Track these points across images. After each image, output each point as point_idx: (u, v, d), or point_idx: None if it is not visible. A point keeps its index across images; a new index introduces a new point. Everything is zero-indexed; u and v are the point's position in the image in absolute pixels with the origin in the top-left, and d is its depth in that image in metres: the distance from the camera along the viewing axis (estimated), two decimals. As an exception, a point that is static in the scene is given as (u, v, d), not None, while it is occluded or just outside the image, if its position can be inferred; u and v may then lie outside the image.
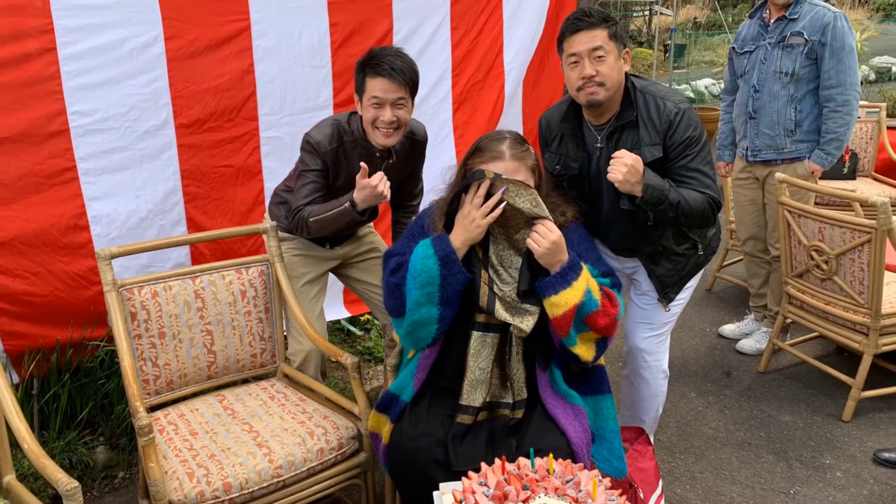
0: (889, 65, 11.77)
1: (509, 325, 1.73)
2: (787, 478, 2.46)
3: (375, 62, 2.06)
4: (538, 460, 1.45)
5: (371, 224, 2.48)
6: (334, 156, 2.16)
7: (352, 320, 3.45)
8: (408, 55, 2.12)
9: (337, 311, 3.16)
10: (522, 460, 1.45)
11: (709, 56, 13.80)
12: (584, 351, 1.76)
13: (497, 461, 1.45)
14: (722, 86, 3.62)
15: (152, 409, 2.08)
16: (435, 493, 1.50)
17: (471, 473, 1.43)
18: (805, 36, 2.87)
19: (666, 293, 2.16)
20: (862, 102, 4.16)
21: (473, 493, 1.36)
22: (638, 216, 2.00)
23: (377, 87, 2.06)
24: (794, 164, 3.03)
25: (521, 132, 2.92)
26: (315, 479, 1.92)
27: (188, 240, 2.42)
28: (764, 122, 3.02)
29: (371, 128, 2.11)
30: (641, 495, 1.94)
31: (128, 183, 2.51)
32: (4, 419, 1.71)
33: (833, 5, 2.98)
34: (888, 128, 4.53)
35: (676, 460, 2.57)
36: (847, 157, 4.32)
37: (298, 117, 2.80)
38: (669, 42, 10.46)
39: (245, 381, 2.30)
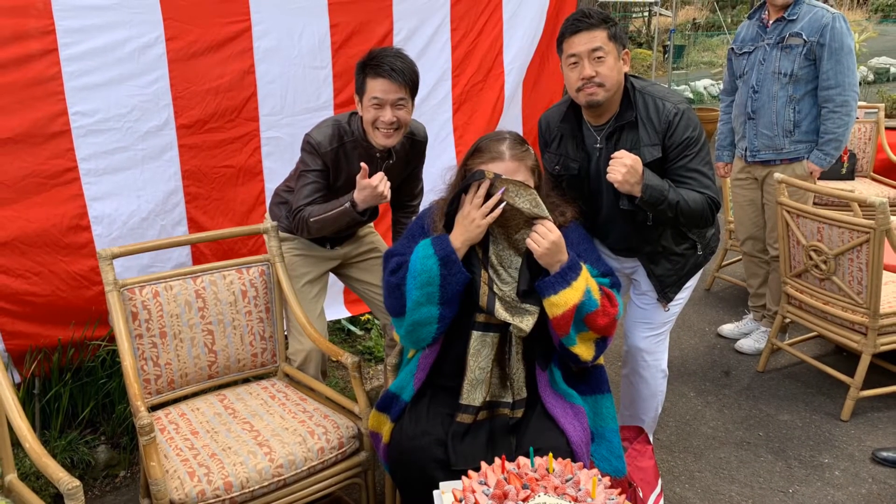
0: (887, 65, 11.79)
1: (509, 324, 1.74)
2: (785, 477, 2.47)
3: (376, 63, 2.07)
4: (538, 459, 1.45)
5: (371, 224, 2.49)
6: (335, 156, 2.17)
7: (352, 320, 3.46)
8: (408, 56, 2.12)
9: (337, 310, 3.16)
10: (522, 459, 1.46)
11: (708, 57, 13.82)
12: (583, 350, 1.77)
13: (497, 460, 1.45)
14: (721, 86, 3.63)
15: (153, 408, 2.09)
16: (435, 492, 1.50)
17: (471, 472, 1.44)
18: (804, 37, 2.88)
19: (665, 293, 2.17)
20: (860, 103, 4.18)
21: (473, 491, 1.37)
22: (637, 216, 2.01)
23: (377, 87, 2.07)
24: (792, 164, 3.04)
25: (520, 132, 2.93)
26: (315, 478, 1.92)
27: (189, 240, 2.42)
28: (763, 122, 3.03)
29: (371, 128, 2.12)
30: (641, 494, 1.95)
31: (129, 183, 2.51)
32: (6, 418, 1.71)
33: (832, 6, 3.00)
34: (886, 128, 4.54)
35: (675, 459, 2.58)
36: (845, 158, 4.33)
37: (299, 118, 2.81)
38: (668, 43, 10.47)
39: (246, 381, 2.30)
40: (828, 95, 2.89)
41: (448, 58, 3.18)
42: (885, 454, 2.53)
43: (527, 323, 1.73)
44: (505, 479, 1.39)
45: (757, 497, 2.37)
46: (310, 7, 2.75)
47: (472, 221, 1.73)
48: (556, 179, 2.09)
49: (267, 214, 2.46)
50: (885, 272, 2.69)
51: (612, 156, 1.87)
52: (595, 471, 1.45)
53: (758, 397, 2.98)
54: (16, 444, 1.75)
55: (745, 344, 3.39)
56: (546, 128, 2.14)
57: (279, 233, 2.30)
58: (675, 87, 9.92)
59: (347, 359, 2.05)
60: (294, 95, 2.79)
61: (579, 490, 1.37)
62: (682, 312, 2.75)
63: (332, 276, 2.52)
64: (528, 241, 1.72)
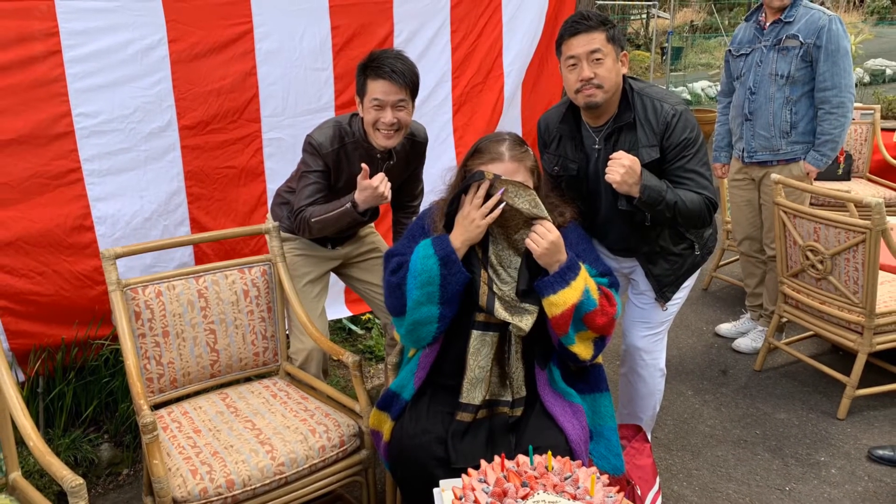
0: (883, 67, 11.83)
1: (508, 324, 1.76)
2: (782, 475, 2.49)
3: (376, 65, 2.09)
4: (537, 457, 1.46)
5: (372, 224, 2.51)
6: (336, 157, 2.19)
7: (353, 319, 3.47)
8: (408, 58, 2.14)
9: (338, 310, 3.18)
10: (521, 457, 1.47)
11: (705, 58, 13.85)
12: (582, 349, 1.78)
13: (496, 458, 1.46)
14: (718, 88, 3.65)
15: (156, 406, 2.10)
16: (435, 490, 1.51)
17: (470, 470, 1.45)
18: (800, 39, 2.90)
19: (663, 293, 2.18)
20: (856, 104, 4.20)
21: (473, 489, 1.38)
22: (635, 217, 2.03)
23: (378, 89, 2.08)
24: (789, 165, 3.06)
25: (520, 133, 2.95)
26: (317, 476, 1.94)
27: (192, 240, 2.44)
28: (760, 123, 3.06)
29: (372, 129, 2.14)
30: (639, 492, 1.97)
31: (132, 184, 2.53)
32: (10, 417, 1.73)
33: (828, 9, 3.02)
34: (882, 129, 4.57)
35: (673, 457, 2.60)
36: (842, 159, 4.35)
37: (300, 119, 2.83)
38: (666, 45, 10.50)
39: (248, 380, 2.32)
40: (824, 97, 2.91)
41: (448, 59, 3.20)
42: (880, 452, 2.55)
43: (526, 322, 1.74)
44: (504, 477, 1.40)
45: (754, 495, 2.39)
46: (311, 9, 2.77)
47: (471, 222, 1.74)
48: (555, 180, 2.11)
49: (269, 215, 2.48)
50: (880, 272, 2.71)
51: (610, 157, 1.88)
52: (594, 469, 1.47)
53: (755, 396, 3.00)
54: (20, 442, 1.76)
55: (743, 343, 3.41)
56: (545, 129, 2.16)
57: (281, 233, 2.31)
58: (673, 89, 9.94)
59: (348, 358, 2.07)
60: (295, 97, 2.81)
61: (578, 488, 1.38)
62: (679, 312, 2.77)
63: (333, 275, 2.54)
64: (528, 241, 1.74)
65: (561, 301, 1.70)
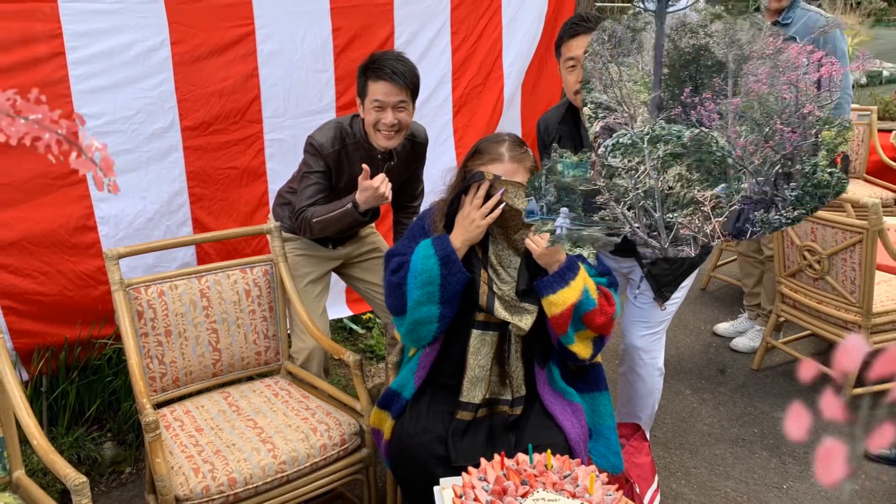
0: (880, 69, 11.83)
1: (508, 323, 1.77)
2: (780, 473, 2.51)
3: (377, 66, 2.10)
4: (536, 456, 1.48)
5: (373, 225, 2.52)
6: (337, 158, 2.20)
7: (354, 319, 3.48)
8: (409, 59, 2.15)
9: (339, 309, 3.19)
10: (521, 456, 1.48)
11: (705, 58, 13.82)
12: (581, 349, 1.79)
13: (496, 457, 1.48)
14: (717, 89, 3.66)
15: (159, 405, 2.11)
16: (435, 488, 1.52)
17: (470, 469, 1.46)
18: (798, 41, 2.92)
19: (662, 292, 2.20)
20: (853, 105, 4.21)
21: (473, 487, 1.39)
22: (634, 217, 2.04)
23: (379, 90, 2.10)
24: (787, 166, 3.08)
25: (519, 134, 2.97)
26: (318, 474, 1.95)
27: (194, 240, 2.45)
28: (758, 124, 3.07)
29: (373, 130, 2.15)
30: (638, 490, 1.98)
31: (135, 184, 2.54)
32: (14, 416, 1.74)
33: (825, 10, 3.04)
34: (879, 130, 4.58)
35: (672, 456, 2.61)
36: (839, 160, 4.36)
37: (301, 120, 2.84)
38: (666, 44, 10.48)
39: (249, 379, 2.33)
40: (822, 98, 2.93)
41: (448, 61, 3.21)
42: (877, 451, 2.56)
43: (526, 322, 1.75)
44: (504, 475, 1.41)
45: (752, 493, 2.40)
46: (312, 11, 2.78)
47: (471, 222, 1.75)
48: (554, 181, 2.13)
49: (270, 215, 2.49)
50: (877, 272, 2.72)
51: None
52: (593, 467, 1.47)
53: (753, 395, 3.02)
54: (23, 441, 1.78)
55: (741, 342, 3.43)
56: (545, 129, 2.18)
57: (282, 233, 2.32)
58: (673, 88, 9.92)
59: (349, 357, 2.08)
60: (297, 98, 2.82)
61: (577, 486, 1.39)
62: (678, 311, 2.77)
63: (334, 275, 2.55)
64: (527, 241, 1.75)
65: (560, 301, 1.72)
